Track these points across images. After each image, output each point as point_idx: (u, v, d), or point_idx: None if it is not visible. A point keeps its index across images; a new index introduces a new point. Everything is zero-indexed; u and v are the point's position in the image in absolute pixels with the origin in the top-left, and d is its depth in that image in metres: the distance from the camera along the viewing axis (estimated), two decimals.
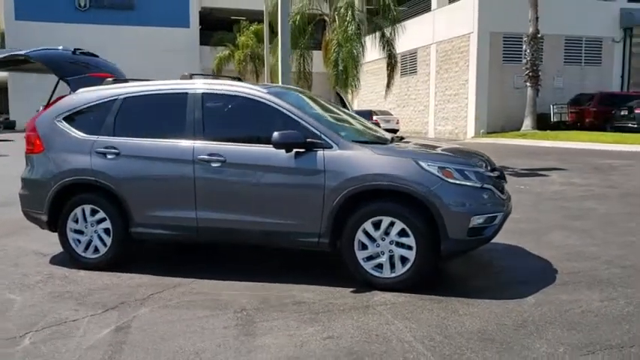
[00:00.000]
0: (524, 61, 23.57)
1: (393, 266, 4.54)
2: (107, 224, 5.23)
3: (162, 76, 6.07)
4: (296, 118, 4.81)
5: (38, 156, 5.49)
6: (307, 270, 5.28)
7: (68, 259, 5.49)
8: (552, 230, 6.62)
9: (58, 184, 5.29)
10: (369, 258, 4.60)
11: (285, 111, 4.86)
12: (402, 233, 4.49)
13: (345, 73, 21.73)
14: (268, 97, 4.97)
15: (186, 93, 5.14)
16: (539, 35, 22.79)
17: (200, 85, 5.21)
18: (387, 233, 4.53)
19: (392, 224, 4.50)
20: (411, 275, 4.50)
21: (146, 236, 5.23)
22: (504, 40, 25.31)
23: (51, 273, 5.25)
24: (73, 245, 5.36)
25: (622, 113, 21.66)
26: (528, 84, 23.14)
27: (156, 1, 39.33)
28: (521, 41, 24.41)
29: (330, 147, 4.67)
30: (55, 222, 5.42)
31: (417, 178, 4.46)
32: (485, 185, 4.62)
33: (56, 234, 5.49)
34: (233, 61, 36.78)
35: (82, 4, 38.56)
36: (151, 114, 5.33)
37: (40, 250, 6.10)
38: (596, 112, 22.99)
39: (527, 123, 23.21)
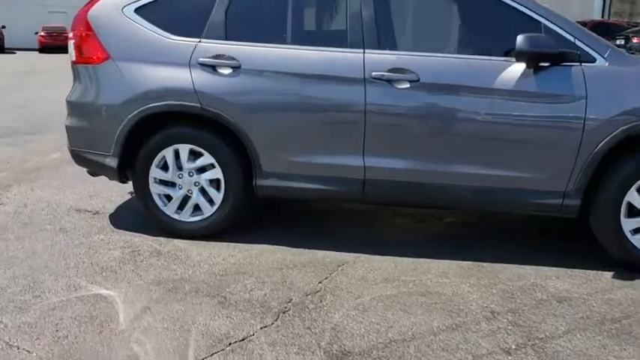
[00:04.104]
0: None
1: None
2: (217, 173, 3.50)
3: None
4: (537, 17, 3.16)
5: (98, 68, 3.56)
6: (508, 242, 3.82)
7: (143, 220, 3.78)
8: None
9: (137, 111, 3.45)
10: None
11: (517, 5, 3.19)
12: None
13: None
14: None
15: None
16: None
17: None
18: None
19: None
20: None
21: (281, 191, 3.51)
22: None
23: (131, 245, 3.52)
24: (159, 203, 3.61)
25: (617, 42, 20.76)
26: None
27: None
28: None
29: (593, 60, 3.09)
30: (128, 168, 3.64)
31: None
32: None
33: (86, 180, 3.74)
34: None
35: None
36: (285, 8, 3.49)
37: (80, 206, 4.30)
38: None
39: None
